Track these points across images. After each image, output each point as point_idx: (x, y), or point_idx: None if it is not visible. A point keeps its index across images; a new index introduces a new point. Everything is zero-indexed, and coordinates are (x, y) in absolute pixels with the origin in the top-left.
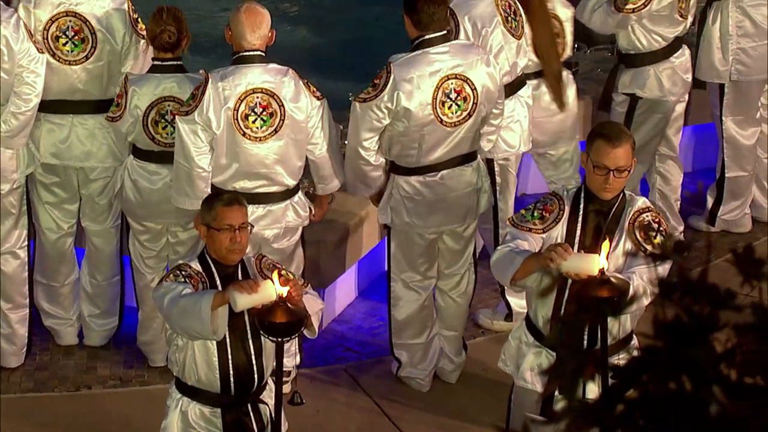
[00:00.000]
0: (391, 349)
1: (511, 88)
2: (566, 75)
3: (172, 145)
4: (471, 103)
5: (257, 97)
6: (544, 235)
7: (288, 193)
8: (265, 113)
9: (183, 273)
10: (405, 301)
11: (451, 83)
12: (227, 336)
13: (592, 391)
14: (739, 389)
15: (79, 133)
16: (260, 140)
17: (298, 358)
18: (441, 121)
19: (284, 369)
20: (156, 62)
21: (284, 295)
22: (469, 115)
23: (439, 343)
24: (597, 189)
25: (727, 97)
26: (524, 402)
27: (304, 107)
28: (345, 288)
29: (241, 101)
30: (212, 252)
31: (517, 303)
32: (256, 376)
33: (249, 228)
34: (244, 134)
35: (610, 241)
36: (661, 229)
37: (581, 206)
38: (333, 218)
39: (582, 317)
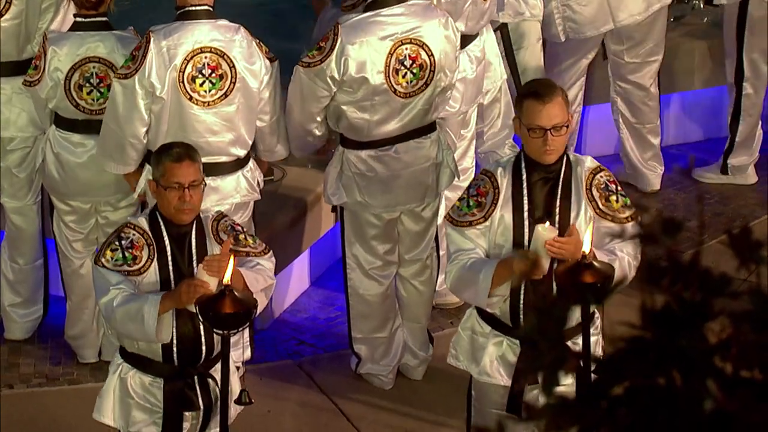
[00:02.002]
0: (350, 343)
1: (462, 41)
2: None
3: (98, 113)
4: (428, 71)
5: (205, 57)
6: (487, 222)
7: (238, 164)
8: (214, 75)
9: (123, 241)
10: (364, 290)
11: (406, 49)
12: None
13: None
14: (735, 383)
15: None
16: (208, 105)
17: (247, 352)
18: (394, 91)
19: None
20: (78, 19)
21: (229, 282)
22: (426, 85)
23: (402, 336)
24: (537, 154)
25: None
26: (488, 397)
27: (258, 70)
28: (299, 274)
29: (188, 62)
30: (162, 210)
31: None
32: (204, 347)
33: (203, 185)
34: (190, 98)
35: (568, 211)
36: (619, 189)
37: (524, 177)
38: (286, 195)
39: (563, 304)
